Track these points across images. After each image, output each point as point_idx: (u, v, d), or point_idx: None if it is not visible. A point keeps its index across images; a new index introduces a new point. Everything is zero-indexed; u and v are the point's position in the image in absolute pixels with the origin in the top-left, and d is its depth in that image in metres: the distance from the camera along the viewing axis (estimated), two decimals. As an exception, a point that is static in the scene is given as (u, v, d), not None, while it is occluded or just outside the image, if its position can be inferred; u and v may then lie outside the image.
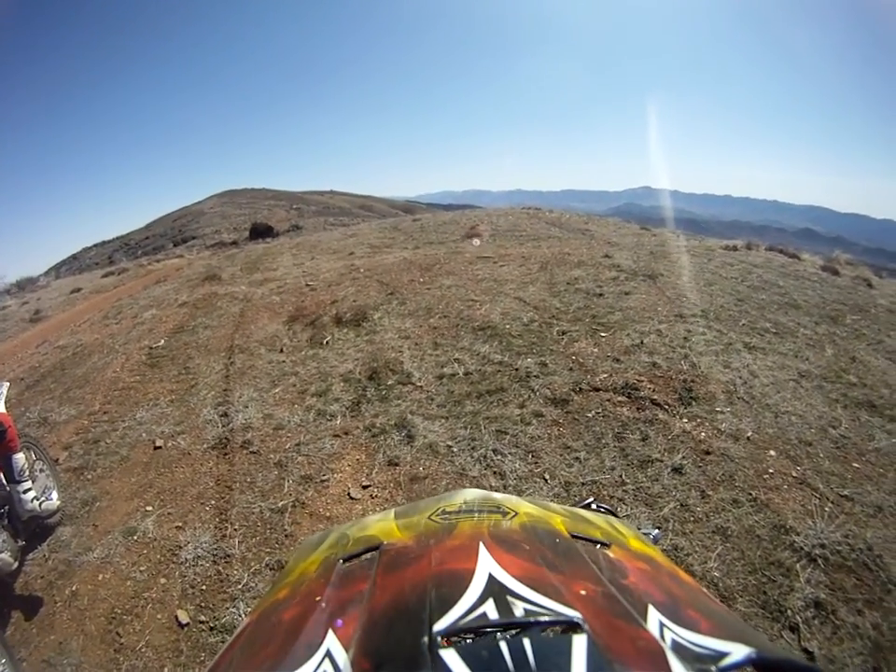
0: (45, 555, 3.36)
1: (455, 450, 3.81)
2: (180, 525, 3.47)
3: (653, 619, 0.60)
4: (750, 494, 3.18)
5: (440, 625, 0.52)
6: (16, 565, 2.96)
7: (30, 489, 3.13)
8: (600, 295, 6.53)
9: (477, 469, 3.59)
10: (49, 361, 7.17)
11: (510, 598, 0.57)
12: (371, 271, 9.21)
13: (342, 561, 0.79)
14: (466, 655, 0.47)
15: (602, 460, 3.57)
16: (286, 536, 3.23)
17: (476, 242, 10.98)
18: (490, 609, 0.55)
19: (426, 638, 0.51)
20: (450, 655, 0.47)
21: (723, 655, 0.53)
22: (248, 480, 3.79)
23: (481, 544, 0.70)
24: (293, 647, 0.61)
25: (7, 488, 3.06)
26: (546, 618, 0.53)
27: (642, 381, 4.40)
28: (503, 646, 0.48)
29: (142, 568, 3.15)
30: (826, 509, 3.05)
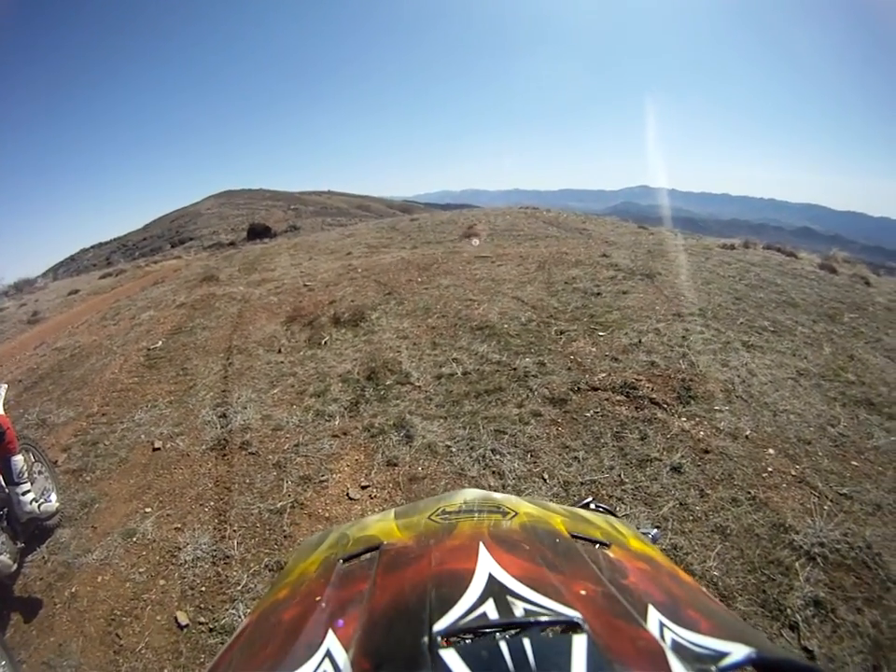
0: (44, 557, 3.36)
1: (453, 450, 3.81)
2: (179, 526, 3.47)
3: (653, 619, 0.60)
4: (749, 492, 3.18)
5: (440, 625, 0.52)
6: (15, 567, 2.96)
7: (29, 491, 3.12)
8: (598, 294, 6.53)
9: (476, 468, 3.59)
10: (47, 363, 7.16)
11: (510, 598, 0.57)
12: (369, 271, 9.20)
13: (342, 561, 0.79)
14: (466, 655, 0.47)
15: (601, 459, 3.57)
16: (285, 537, 3.23)
17: (474, 241, 10.98)
18: (490, 609, 0.55)
19: (426, 638, 0.51)
20: (450, 655, 0.47)
21: (723, 655, 0.53)
22: (247, 481, 3.79)
23: (481, 544, 0.70)
24: (293, 647, 0.61)
25: (6, 490, 3.05)
26: (546, 618, 0.53)
27: (640, 380, 4.40)
28: (503, 646, 0.48)
29: (141, 570, 3.14)
30: (825, 507, 3.06)
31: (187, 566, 3.12)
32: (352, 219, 32.12)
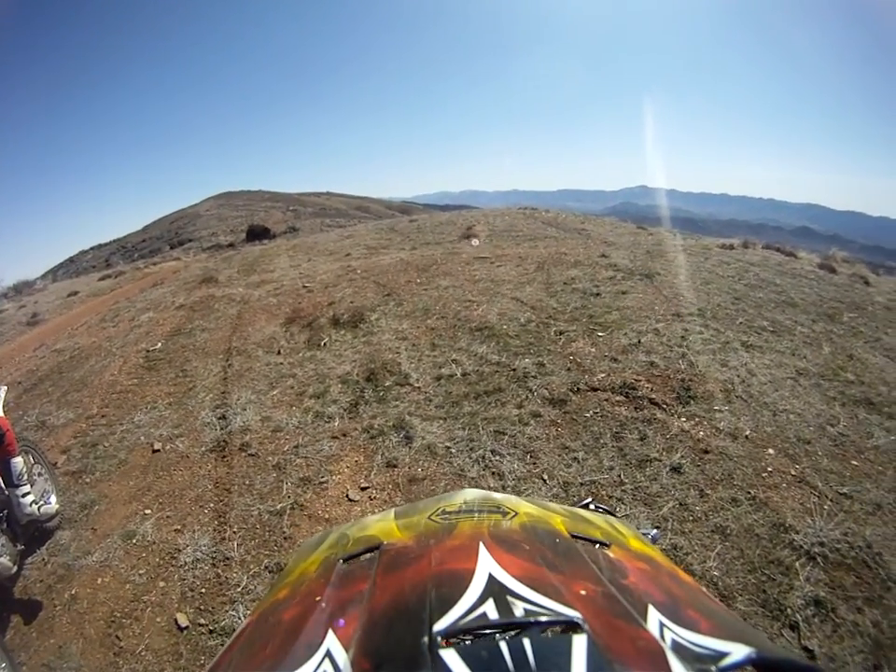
0: (44, 559, 3.35)
1: (453, 451, 3.80)
2: (179, 528, 3.47)
3: (653, 619, 0.60)
4: (749, 492, 3.18)
5: (440, 625, 0.52)
6: (15, 569, 2.95)
7: (28, 493, 3.12)
8: (597, 295, 6.53)
9: (475, 469, 3.59)
10: (46, 365, 7.16)
11: (510, 598, 0.57)
12: (368, 272, 9.20)
13: (342, 561, 0.79)
14: (466, 655, 0.47)
15: (600, 460, 3.57)
16: (284, 538, 3.23)
17: (473, 242, 10.98)
18: (490, 609, 0.55)
19: (426, 638, 0.51)
20: (450, 655, 0.47)
21: (723, 655, 0.53)
22: (247, 482, 3.79)
23: (481, 544, 0.70)
24: (293, 647, 0.61)
25: (6, 492, 3.05)
26: (546, 618, 0.53)
27: (640, 380, 4.40)
28: (503, 646, 0.48)
29: (141, 572, 3.14)
30: (825, 507, 3.06)
31: (187, 567, 3.12)
32: (351, 220, 32.12)
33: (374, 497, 3.50)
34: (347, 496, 3.53)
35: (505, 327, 5.75)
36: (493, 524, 0.80)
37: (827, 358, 4.86)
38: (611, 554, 0.80)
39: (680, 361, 4.69)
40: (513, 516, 0.83)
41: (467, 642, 0.58)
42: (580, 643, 0.48)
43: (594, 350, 5.05)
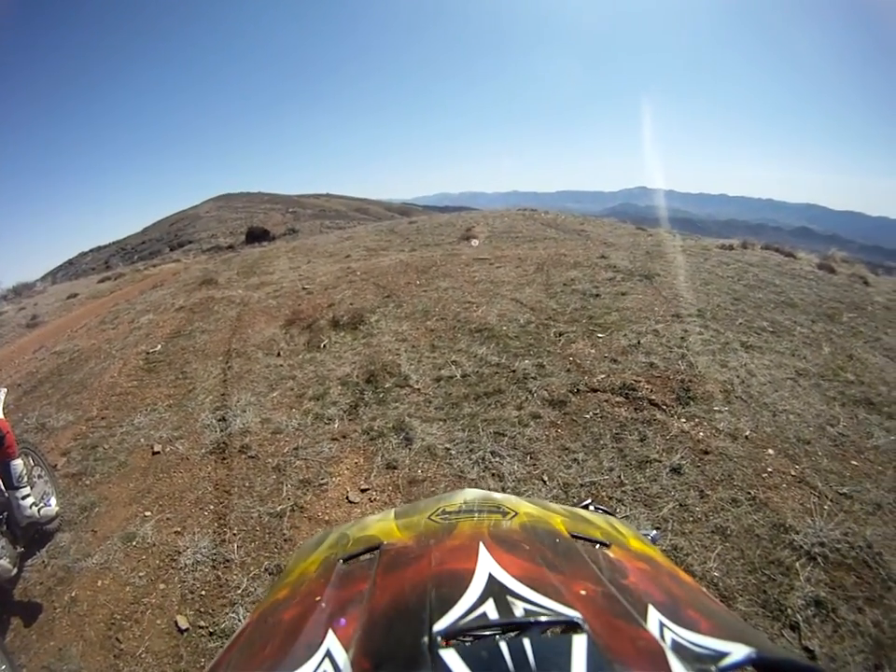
0: (44, 561, 3.35)
1: (453, 452, 3.80)
2: (179, 530, 3.46)
3: (653, 619, 0.60)
4: (749, 493, 3.18)
5: (440, 625, 0.53)
6: (15, 571, 2.95)
7: (28, 495, 3.12)
8: (597, 296, 6.53)
9: (475, 471, 3.59)
10: (46, 367, 7.16)
11: (510, 598, 0.57)
12: (368, 274, 9.20)
13: (342, 561, 0.79)
14: (466, 655, 0.47)
15: (600, 461, 3.57)
16: (284, 540, 3.23)
17: (473, 243, 10.99)
18: (490, 609, 0.55)
19: (426, 638, 0.51)
20: (450, 655, 0.47)
21: (723, 655, 0.53)
22: (247, 484, 3.79)
23: (481, 544, 0.70)
24: (293, 647, 0.61)
25: (6, 494, 3.05)
26: (546, 618, 0.54)
27: (640, 381, 4.40)
28: (503, 646, 0.48)
29: (141, 574, 3.14)
30: (825, 507, 3.06)
31: (187, 569, 3.12)
32: (350, 222, 32.11)
33: (374, 499, 3.49)
34: (347, 497, 3.53)
35: (505, 328, 5.75)
36: (493, 524, 0.80)
37: (827, 359, 4.86)
38: (611, 554, 0.80)
39: (680, 362, 4.69)
40: (513, 516, 0.83)
41: (467, 642, 0.58)
42: (580, 643, 0.48)
43: (593, 351, 5.05)
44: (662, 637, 0.56)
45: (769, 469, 3.38)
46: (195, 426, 4.68)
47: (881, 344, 5.26)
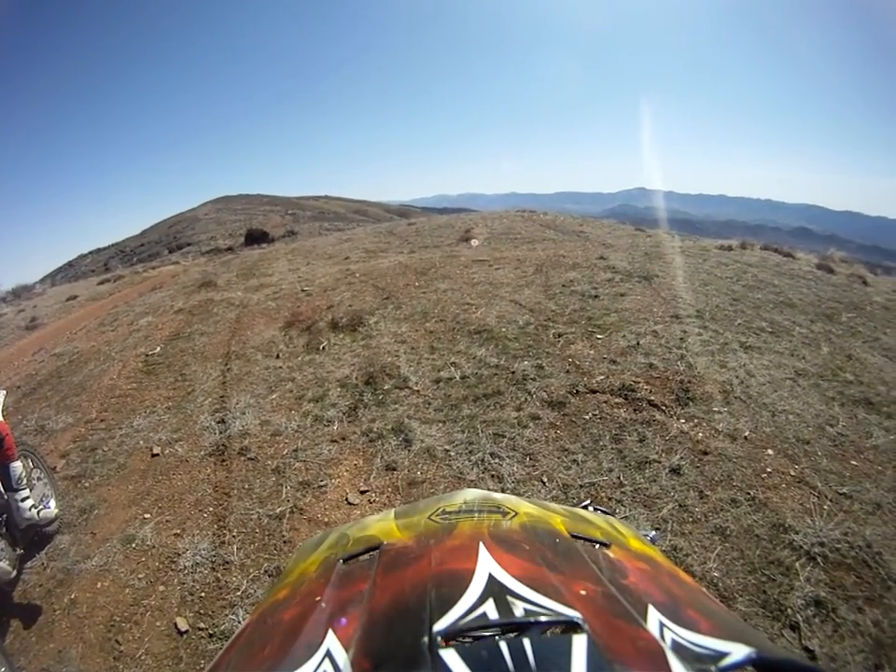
0: (43, 564, 3.35)
1: (452, 454, 3.80)
2: (178, 532, 3.46)
3: (653, 619, 0.60)
4: (749, 493, 3.18)
5: (440, 625, 0.53)
6: (14, 573, 2.95)
7: (28, 497, 3.11)
8: (596, 297, 6.53)
9: (475, 472, 3.59)
10: (45, 369, 7.14)
11: (510, 598, 0.57)
12: (367, 275, 9.20)
13: (342, 561, 0.79)
14: (466, 655, 0.47)
15: (600, 462, 3.57)
16: (284, 542, 3.23)
17: (473, 243, 10.99)
18: (490, 609, 0.55)
19: (426, 638, 0.51)
20: (450, 655, 0.47)
21: (723, 655, 0.53)
22: (246, 486, 3.78)
23: (481, 544, 0.70)
24: (293, 647, 0.61)
25: (5, 497, 3.05)
26: (546, 618, 0.54)
27: (639, 382, 4.40)
28: (503, 646, 0.48)
29: (140, 576, 3.13)
30: (825, 507, 3.06)
31: (186, 571, 3.11)
32: (349, 224, 32.11)
33: (374, 501, 3.49)
34: (347, 499, 3.53)
35: (504, 329, 5.75)
36: (493, 524, 0.80)
37: (826, 359, 4.87)
38: (611, 554, 0.80)
39: (679, 363, 4.69)
40: (513, 516, 0.83)
41: (467, 642, 0.58)
42: (580, 643, 0.48)
43: (592, 352, 5.05)
44: (662, 637, 0.56)
45: (768, 470, 3.38)
46: (194, 428, 4.68)
47: (880, 344, 5.26)
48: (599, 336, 5.37)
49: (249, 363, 5.95)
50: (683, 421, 3.91)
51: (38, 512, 3.17)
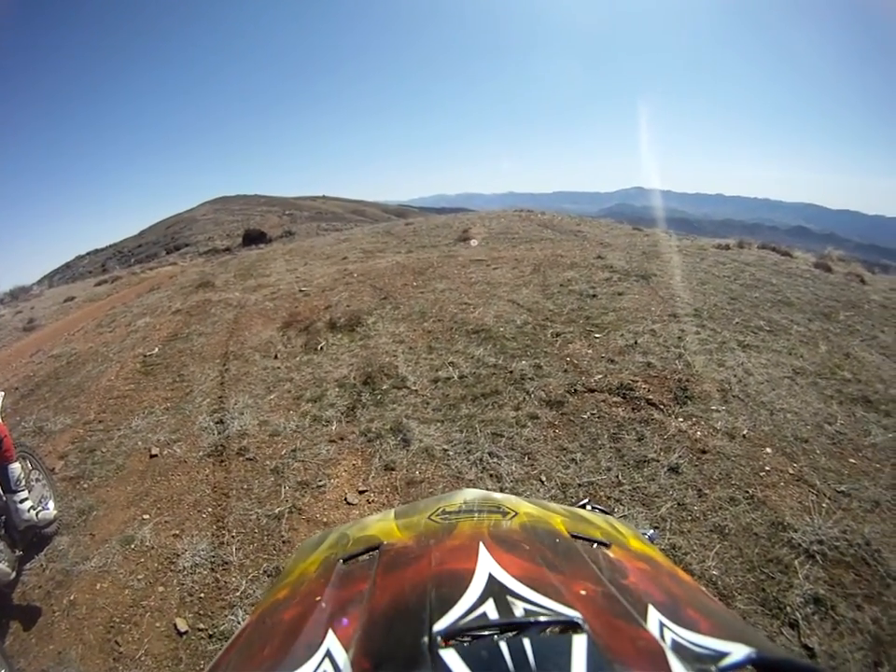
0: (42, 565, 3.34)
1: (450, 453, 3.80)
2: (177, 532, 3.46)
3: (653, 619, 0.60)
4: (747, 491, 3.19)
5: (440, 625, 0.53)
6: (13, 575, 2.94)
7: (26, 499, 3.11)
8: (593, 296, 6.53)
9: (473, 472, 3.59)
10: (43, 370, 7.13)
11: (510, 598, 0.57)
12: (365, 275, 9.19)
13: (342, 561, 0.79)
14: (466, 655, 0.47)
15: (598, 461, 3.57)
16: (283, 542, 3.22)
17: (472, 243, 10.99)
18: (490, 609, 0.56)
19: (426, 638, 0.51)
20: (450, 655, 0.47)
21: (723, 655, 0.53)
22: (245, 487, 3.78)
23: (481, 544, 0.70)
24: (293, 647, 0.61)
25: (4, 498, 3.04)
26: (546, 618, 0.54)
27: (637, 381, 4.41)
28: (503, 646, 0.48)
29: (140, 577, 3.13)
30: (823, 505, 3.06)
31: (185, 572, 3.11)
32: (347, 224, 32.08)
33: (372, 501, 3.49)
34: (345, 499, 3.53)
35: (502, 329, 5.75)
36: (493, 524, 0.80)
37: (824, 357, 4.87)
38: (611, 554, 0.80)
39: (677, 362, 4.70)
40: (513, 516, 0.83)
41: (466, 642, 0.58)
42: (579, 643, 0.48)
43: (590, 351, 5.05)
44: (662, 636, 0.56)
45: (767, 468, 3.39)
46: (193, 428, 4.67)
47: (878, 342, 5.27)
48: (597, 335, 5.37)
49: (247, 364, 5.94)
50: (681, 420, 3.91)
51: (37, 514, 3.17)
